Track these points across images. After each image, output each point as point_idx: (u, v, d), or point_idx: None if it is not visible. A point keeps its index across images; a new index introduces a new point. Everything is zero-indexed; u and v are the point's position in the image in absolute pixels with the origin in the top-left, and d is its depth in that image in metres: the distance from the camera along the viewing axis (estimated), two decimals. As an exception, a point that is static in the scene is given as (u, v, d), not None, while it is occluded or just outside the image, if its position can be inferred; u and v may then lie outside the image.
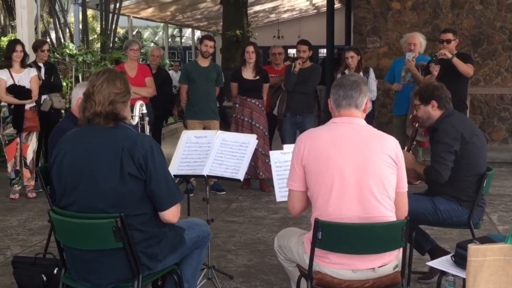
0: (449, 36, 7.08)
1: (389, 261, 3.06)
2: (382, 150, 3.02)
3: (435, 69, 6.78)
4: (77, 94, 4.19)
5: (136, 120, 3.83)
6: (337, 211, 2.98)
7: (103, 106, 3.00)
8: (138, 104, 3.90)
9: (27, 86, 7.11)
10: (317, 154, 3.04)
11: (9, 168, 7.27)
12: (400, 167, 3.08)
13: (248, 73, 7.44)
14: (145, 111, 3.94)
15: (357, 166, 2.98)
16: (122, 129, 3.05)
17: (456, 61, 6.82)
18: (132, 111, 3.66)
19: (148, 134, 3.94)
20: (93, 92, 3.03)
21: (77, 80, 10.59)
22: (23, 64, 7.19)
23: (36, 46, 7.76)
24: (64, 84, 9.68)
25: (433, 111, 4.20)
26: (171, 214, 3.08)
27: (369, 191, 2.97)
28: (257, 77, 7.42)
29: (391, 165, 3.02)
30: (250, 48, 7.40)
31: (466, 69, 6.88)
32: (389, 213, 3.03)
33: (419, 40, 7.60)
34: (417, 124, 4.56)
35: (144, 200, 3.01)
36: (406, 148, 4.53)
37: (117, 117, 3.04)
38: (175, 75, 8.39)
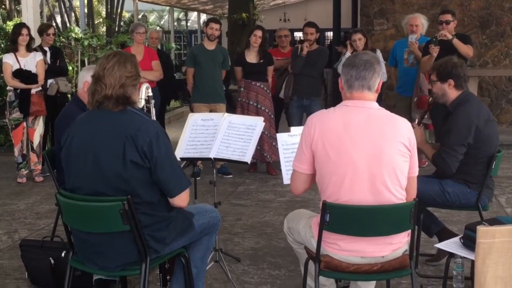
0: (448, 17, 7.00)
1: (397, 248, 3.03)
2: (396, 138, 2.93)
3: (435, 50, 6.70)
4: (84, 77, 4.16)
5: (142, 103, 3.81)
6: (348, 201, 2.93)
7: (113, 89, 2.97)
8: (144, 87, 3.89)
9: (33, 70, 7.11)
10: (328, 140, 2.95)
11: (16, 152, 7.29)
12: (412, 153, 3.01)
13: (251, 57, 7.41)
14: (150, 93, 3.92)
15: (370, 155, 2.90)
16: (129, 114, 3.01)
17: (457, 42, 6.75)
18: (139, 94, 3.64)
19: (154, 117, 3.92)
20: (103, 75, 2.99)
21: (83, 64, 10.57)
22: (29, 48, 7.18)
23: (42, 30, 7.74)
24: (70, 68, 9.67)
25: (449, 90, 4.11)
26: (180, 200, 3.07)
27: (382, 182, 2.91)
28: (261, 61, 7.39)
29: (404, 153, 2.95)
30: (258, 33, 7.35)
31: (467, 50, 6.82)
32: (399, 202, 2.99)
33: (421, 21, 7.51)
34: (430, 99, 4.39)
35: (151, 186, 2.99)
36: (416, 121, 4.43)
37: (128, 100, 3.02)
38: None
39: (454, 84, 4.10)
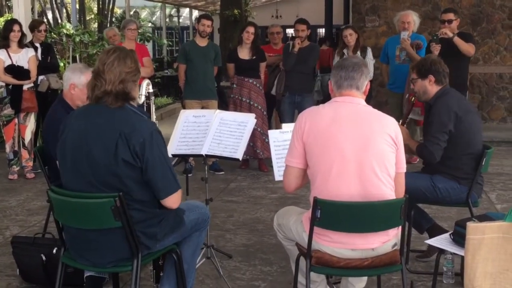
0: (451, 16, 7.04)
1: (387, 240, 3.07)
2: (383, 129, 3.03)
3: (436, 49, 6.74)
4: (70, 78, 4.09)
5: (142, 99, 3.82)
6: (337, 189, 2.98)
7: (113, 85, 2.97)
8: (145, 83, 3.89)
9: (25, 66, 7.08)
10: (318, 132, 3.04)
11: (7, 149, 7.26)
12: (399, 148, 3.09)
13: (244, 53, 7.41)
14: (151, 90, 3.92)
15: (358, 144, 2.98)
16: (126, 111, 3.01)
17: (458, 40, 6.78)
18: (138, 90, 3.64)
19: (153, 113, 3.92)
20: (103, 71, 2.99)
21: (74, 60, 10.55)
22: (21, 44, 7.15)
23: (33, 26, 7.70)
24: (62, 64, 9.63)
25: (429, 86, 4.17)
26: (171, 201, 3.07)
27: (371, 169, 2.98)
28: (254, 57, 7.39)
29: (391, 144, 3.03)
30: (251, 29, 7.35)
31: (468, 48, 6.85)
32: (389, 191, 3.03)
33: (413, 18, 7.52)
34: (413, 98, 4.51)
35: (143, 185, 2.99)
36: (400, 122, 4.50)
37: (128, 96, 3.02)
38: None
39: (435, 80, 4.16)
